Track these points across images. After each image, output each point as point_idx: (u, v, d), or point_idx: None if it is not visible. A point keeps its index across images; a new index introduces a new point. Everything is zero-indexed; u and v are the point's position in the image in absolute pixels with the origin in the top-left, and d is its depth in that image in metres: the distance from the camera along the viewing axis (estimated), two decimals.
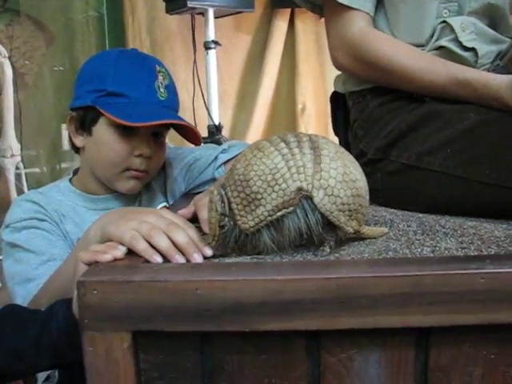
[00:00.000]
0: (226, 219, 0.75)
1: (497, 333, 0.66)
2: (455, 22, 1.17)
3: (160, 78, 1.20)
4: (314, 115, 3.19)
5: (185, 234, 0.78)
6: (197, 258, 0.76)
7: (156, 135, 1.23)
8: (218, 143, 2.58)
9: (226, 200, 0.75)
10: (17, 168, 2.86)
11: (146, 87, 1.18)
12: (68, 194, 1.25)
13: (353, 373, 0.68)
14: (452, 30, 1.16)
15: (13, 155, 2.81)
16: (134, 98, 1.16)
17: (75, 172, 1.31)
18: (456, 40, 1.16)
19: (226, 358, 0.69)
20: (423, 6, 1.19)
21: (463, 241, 0.82)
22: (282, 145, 0.76)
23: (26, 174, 2.95)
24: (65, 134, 3.38)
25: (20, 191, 2.85)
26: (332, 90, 1.42)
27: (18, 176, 2.87)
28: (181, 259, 0.75)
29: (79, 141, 1.23)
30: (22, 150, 2.89)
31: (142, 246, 0.76)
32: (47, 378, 1.24)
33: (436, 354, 0.67)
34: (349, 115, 1.34)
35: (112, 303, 0.66)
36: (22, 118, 2.92)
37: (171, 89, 1.24)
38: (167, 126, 1.24)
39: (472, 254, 0.76)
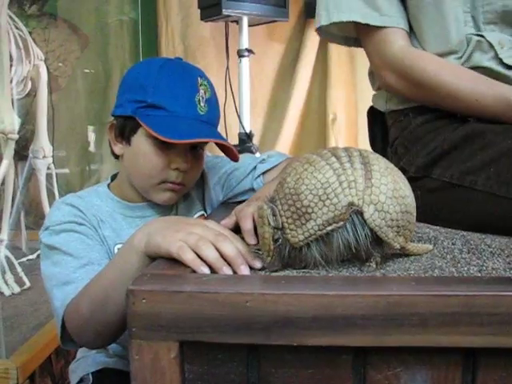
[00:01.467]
0: (279, 232, 0.76)
1: None
2: (493, 38, 1.16)
3: (201, 91, 1.19)
4: (345, 126, 3.18)
5: (233, 246, 0.78)
6: (244, 270, 0.76)
7: (194, 147, 1.22)
8: (249, 151, 2.58)
9: (277, 213, 0.75)
10: (48, 169, 2.89)
11: (186, 101, 1.17)
12: (106, 199, 1.25)
13: None
14: (490, 47, 1.15)
15: (45, 156, 2.83)
16: (173, 112, 1.15)
17: (113, 177, 1.32)
18: (496, 58, 1.15)
19: (272, 371, 0.69)
20: (443, 14, 1.18)
21: (511, 261, 0.81)
22: (333, 159, 0.76)
23: (56, 174, 2.97)
24: (92, 136, 3.42)
25: (50, 192, 2.88)
26: (362, 101, 1.44)
27: (48, 177, 2.90)
28: (228, 271, 0.75)
29: (118, 148, 1.24)
30: (53, 151, 2.91)
31: (189, 257, 0.76)
32: (80, 380, 1.25)
33: (483, 376, 0.67)
34: (387, 132, 1.34)
35: (160, 312, 0.66)
36: (54, 120, 2.95)
37: (212, 103, 1.23)
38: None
39: None
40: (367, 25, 1.21)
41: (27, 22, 2.96)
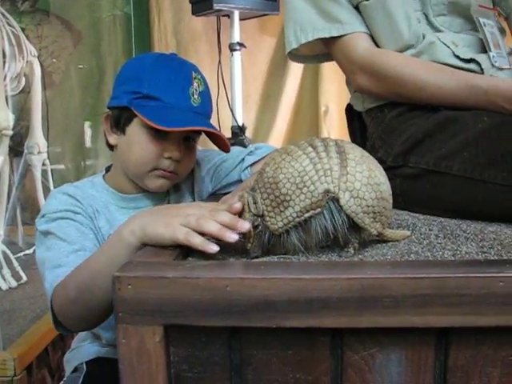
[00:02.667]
0: (259, 219, 0.78)
1: None
2: (446, 39, 1.24)
3: (195, 84, 1.22)
4: (337, 117, 3.19)
5: (227, 213, 0.81)
6: (245, 226, 0.79)
7: (187, 139, 1.25)
8: (242, 144, 2.60)
9: (258, 201, 0.78)
10: (43, 165, 2.90)
11: (181, 92, 1.20)
12: (101, 190, 1.28)
13: (374, 370, 0.70)
14: (443, 45, 1.23)
15: (40, 152, 2.85)
16: (168, 103, 1.19)
17: (108, 169, 1.34)
18: (453, 55, 1.22)
19: (253, 353, 0.71)
20: (391, 16, 1.26)
21: (484, 245, 0.84)
22: (310, 149, 0.79)
23: (51, 170, 2.99)
24: (87, 131, 3.44)
25: (46, 188, 2.90)
26: None
27: (44, 172, 2.91)
28: (234, 235, 0.78)
29: (113, 139, 1.26)
30: (48, 147, 2.93)
31: (198, 241, 0.79)
32: (75, 370, 1.28)
33: (455, 355, 0.69)
34: (365, 128, 1.39)
35: (145, 298, 0.68)
36: (48, 115, 2.96)
37: (205, 96, 1.26)
38: (198, 132, 1.26)
39: (492, 259, 0.78)
40: (332, 37, 1.30)
41: (20, 18, 2.97)
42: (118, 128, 1.25)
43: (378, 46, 1.31)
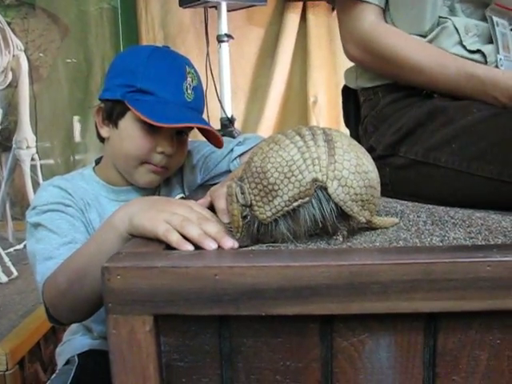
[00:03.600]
0: (248, 209, 0.79)
1: (502, 319, 0.69)
2: (459, 23, 1.19)
3: (189, 79, 1.23)
4: (326, 107, 3.20)
5: (215, 225, 0.81)
6: (228, 243, 0.78)
7: (179, 133, 1.26)
8: (231, 136, 2.60)
9: (246, 191, 0.79)
10: (32, 159, 2.89)
11: (175, 87, 1.20)
12: (92, 182, 1.28)
13: (364, 356, 0.71)
14: (455, 31, 1.19)
15: (28, 147, 2.83)
16: (162, 97, 1.19)
17: (97, 161, 1.34)
18: (460, 43, 1.19)
19: (243, 341, 0.72)
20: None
21: (471, 231, 0.85)
22: (297, 138, 0.79)
23: (40, 165, 2.98)
24: (77, 125, 3.42)
25: (35, 182, 2.89)
26: (343, 82, 1.45)
27: (33, 167, 2.90)
28: (213, 244, 0.78)
29: (105, 131, 1.26)
30: (36, 141, 2.92)
31: (174, 238, 0.78)
32: (67, 362, 1.28)
33: (444, 339, 0.70)
34: (360, 109, 1.37)
35: (135, 288, 0.69)
36: (37, 110, 2.95)
37: (198, 91, 1.26)
38: (191, 127, 1.26)
39: (479, 244, 0.79)
40: None
41: (5, 12, 2.95)
42: (110, 121, 1.24)
43: (394, 24, 1.26)
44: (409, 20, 1.23)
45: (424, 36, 1.22)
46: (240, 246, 0.81)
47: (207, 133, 1.28)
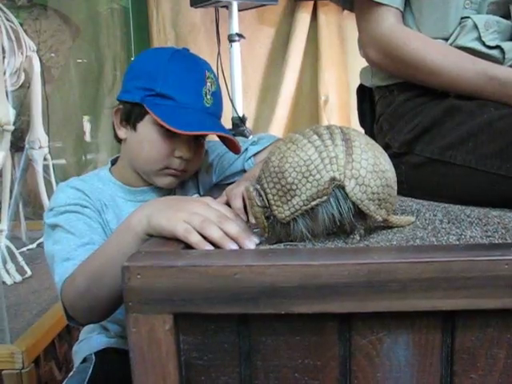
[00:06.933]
0: (269, 210, 0.79)
1: None
2: (479, 20, 1.18)
3: (208, 84, 1.22)
4: (337, 107, 3.20)
5: (235, 225, 0.81)
6: (249, 245, 0.79)
7: (197, 137, 1.25)
8: (243, 135, 2.61)
9: (262, 193, 0.79)
10: (44, 159, 2.90)
11: (194, 93, 1.20)
12: (108, 183, 1.28)
13: (382, 354, 0.71)
14: (474, 28, 1.17)
15: (41, 147, 2.84)
16: (181, 103, 1.18)
17: (113, 161, 1.34)
18: (479, 39, 1.18)
19: (262, 340, 0.72)
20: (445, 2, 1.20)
21: (488, 229, 0.85)
22: (315, 137, 0.80)
23: (52, 165, 2.99)
24: (87, 125, 3.44)
25: (48, 182, 2.90)
26: (354, 81, 1.45)
27: (45, 167, 2.91)
28: (234, 246, 0.79)
29: (123, 133, 1.26)
30: (49, 141, 2.93)
31: (195, 239, 0.79)
32: (84, 360, 1.29)
33: (461, 337, 0.70)
34: (375, 108, 1.37)
35: (154, 287, 0.69)
36: (49, 110, 2.96)
37: (217, 96, 1.26)
38: None
39: (496, 242, 0.79)
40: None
41: (18, 13, 2.96)
42: (128, 122, 1.24)
43: (417, 27, 1.24)
44: (433, 23, 1.22)
45: (447, 39, 1.21)
46: (269, 244, 0.82)
47: (225, 138, 1.27)
